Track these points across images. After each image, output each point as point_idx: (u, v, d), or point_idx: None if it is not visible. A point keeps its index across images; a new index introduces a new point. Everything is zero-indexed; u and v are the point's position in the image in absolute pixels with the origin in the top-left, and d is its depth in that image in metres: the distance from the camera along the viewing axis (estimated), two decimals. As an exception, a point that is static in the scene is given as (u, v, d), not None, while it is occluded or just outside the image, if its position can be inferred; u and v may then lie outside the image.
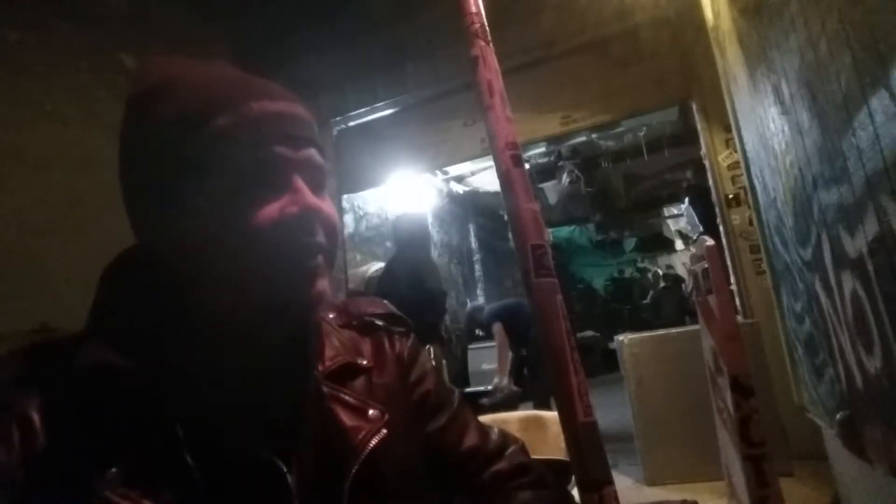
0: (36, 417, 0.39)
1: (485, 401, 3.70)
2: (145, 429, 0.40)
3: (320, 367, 0.52)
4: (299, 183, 0.44)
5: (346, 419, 0.50)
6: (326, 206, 0.47)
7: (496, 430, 0.65)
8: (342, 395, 0.51)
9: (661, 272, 9.63)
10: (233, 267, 0.43)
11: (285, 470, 0.44)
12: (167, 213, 0.44)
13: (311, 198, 0.44)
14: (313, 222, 0.44)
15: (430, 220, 6.05)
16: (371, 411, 0.51)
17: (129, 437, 0.40)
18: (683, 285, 8.20)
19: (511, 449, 0.63)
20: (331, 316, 0.59)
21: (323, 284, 0.45)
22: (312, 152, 0.47)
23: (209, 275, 0.44)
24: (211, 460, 0.41)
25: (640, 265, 10.62)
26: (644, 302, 9.27)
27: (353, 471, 0.47)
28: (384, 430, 0.50)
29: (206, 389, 0.44)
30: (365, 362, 0.56)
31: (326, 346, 0.54)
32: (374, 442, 0.49)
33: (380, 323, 0.62)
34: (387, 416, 0.51)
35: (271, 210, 0.43)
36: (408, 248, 3.17)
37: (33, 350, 0.44)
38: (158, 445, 0.40)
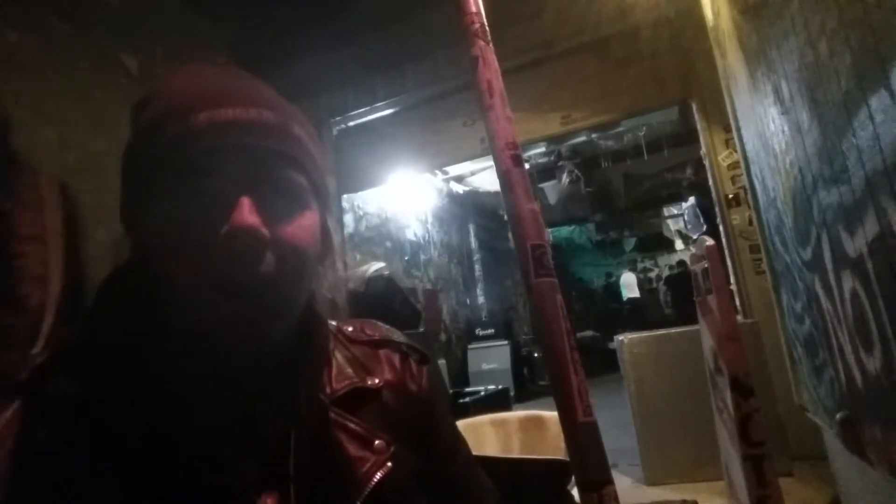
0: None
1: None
2: (114, 454, 0.38)
3: (328, 391, 0.50)
4: (242, 200, 0.40)
5: (351, 449, 0.47)
6: (284, 228, 0.43)
7: (494, 490, 0.63)
8: (348, 424, 0.49)
9: (630, 276, 9.35)
10: (173, 287, 0.41)
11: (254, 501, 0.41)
12: (136, 221, 0.44)
13: (244, 217, 0.40)
14: (243, 243, 0.40)
15: (429, 221, 6.05)
16: (377, 441, 0.49)
17: (99, 465, 0.38)
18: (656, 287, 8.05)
19: None
20: (349, 329, 0.58)
21: (255, 312, 0.41)
22: (275, 164, 0.43)
23: (166, 290, 0.42)
24: (184, 484, 0.39)
25: (641, 265, 10.62)
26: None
27: None
28: (389, 464, 0.48)
29: (188, 406, 0.42)
30: (376, 381, 0.54)
31: (334, 366, 0.52)
32: (378, 475, 0.47)
33: (398, 340, 0.60)
34: (393, 448, 0.49)
35: (202, 231, 0.40)
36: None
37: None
38: (132, 471, 0.38)
